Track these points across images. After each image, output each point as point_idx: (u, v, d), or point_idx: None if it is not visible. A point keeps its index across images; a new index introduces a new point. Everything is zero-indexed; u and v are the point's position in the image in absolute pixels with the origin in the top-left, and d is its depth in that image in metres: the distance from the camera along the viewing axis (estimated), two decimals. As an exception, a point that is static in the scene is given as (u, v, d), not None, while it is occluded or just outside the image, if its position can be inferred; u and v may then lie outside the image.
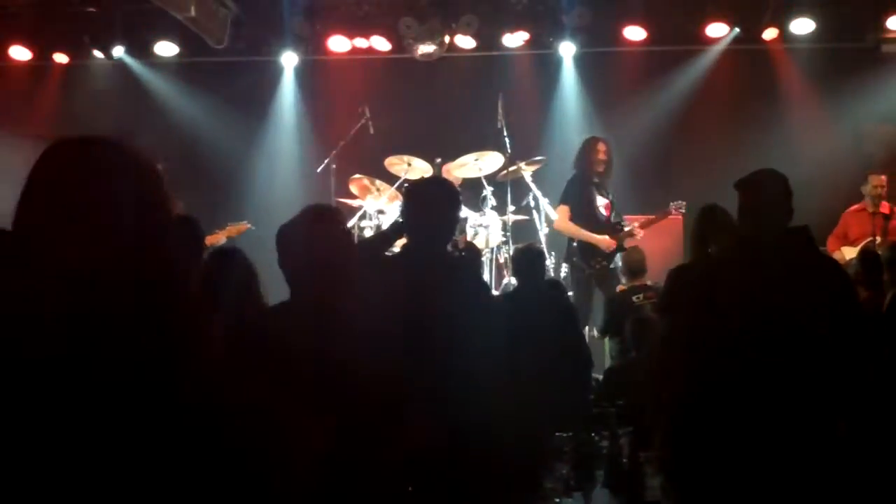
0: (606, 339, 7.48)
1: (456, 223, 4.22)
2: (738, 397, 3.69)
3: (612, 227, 8.08)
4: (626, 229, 8.04)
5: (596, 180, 8.19)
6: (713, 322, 3.85)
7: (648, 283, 7.36)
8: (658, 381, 4.81)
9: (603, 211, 8.15)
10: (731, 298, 3.78)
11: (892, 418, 4.32)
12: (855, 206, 8.60)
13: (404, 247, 4.13)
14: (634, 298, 6.98)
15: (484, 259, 8.27)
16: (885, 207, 8.41)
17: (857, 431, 4.03)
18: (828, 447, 3.71)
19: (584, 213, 8.13)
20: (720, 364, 3.75)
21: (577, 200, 8.14)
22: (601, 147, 8.19)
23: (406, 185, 8.62)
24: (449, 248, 4.49)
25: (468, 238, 8.16)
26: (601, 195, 8.18)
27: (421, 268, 3.88)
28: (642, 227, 8.08)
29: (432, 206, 4.01)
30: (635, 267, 7.36)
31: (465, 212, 8.03)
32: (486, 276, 8.20)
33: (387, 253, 4.41)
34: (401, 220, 4.34)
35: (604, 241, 7.96)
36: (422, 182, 5.77)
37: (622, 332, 6.82)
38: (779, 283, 3.72)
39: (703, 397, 3.80)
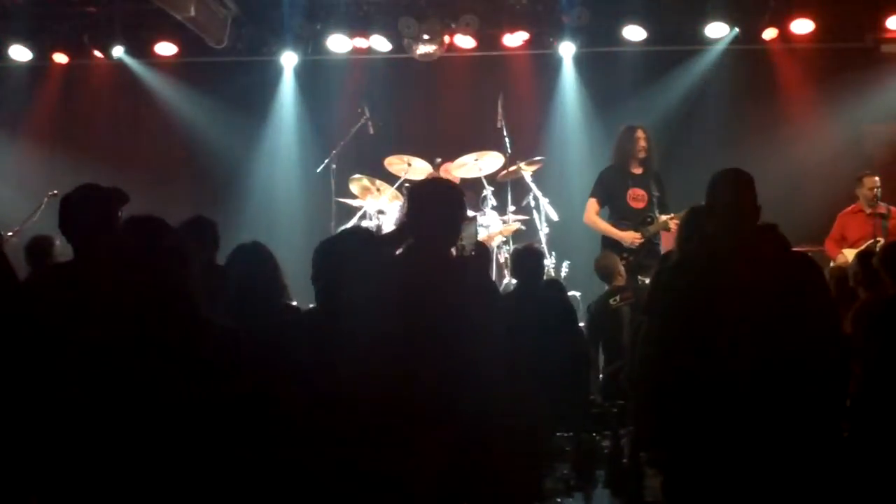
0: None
1: (460, 223, 4.22)
2: (709, 399, 3.69)
3: (640, 220, 7.87)
4: (658, 221, 7.80)
5: (635, 171, 7.95)
6: (680, 324, 3.85)
7: (622, 283, 7.27)
8: (636, 381, 4.83)
9: (633, 203, 7.90)
10: (694, 299, 3.78)
11: (880, 416, 4.32)
12: (850, 208, 8.57)
13: (407, 247, 4.14)
14: (611, 301, 6.95)
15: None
16: (880, 207, 8.41)
17: (842, 429, 4.04)
18: (806, 445, 3.71)
19: (612, 206, 7.97)
20: (691, 365, 3.75)
21: (606, 192, 7.98)
22: (640, 135, 7.93)
23: (408, 186, 8.63)
24: (460, 244, 4.49)
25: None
26: (639, 187, 7.92)
27: (424, 268, 3.89)
28: (677, 218, 7.86)
29: (434, 206, 4.02)
30: (603, 273, 7.32)
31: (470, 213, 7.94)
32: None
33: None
34: (405, 221, 4.35)
35: (627, 236, 7.76)
36: (423, 183, 5.79)
37: (606, 337, 6.80)
38: (742, 281, 3.71)
39: (677, 398, 3.80)
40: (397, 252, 4.22)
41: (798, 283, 3.79)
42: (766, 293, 3.70)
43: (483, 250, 7.16)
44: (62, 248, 6.06)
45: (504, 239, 8.70)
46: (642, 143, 7.92)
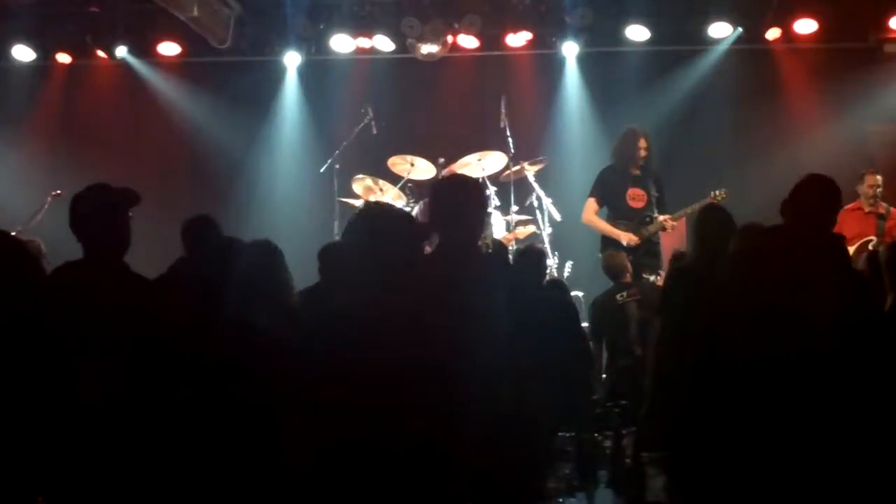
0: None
1: (483, 218, 4.24)
2: (755, 399, 3.70)
3: (640, 220, 7.89)
4: (656, 221, 7.83)
5: (635, 172, 8.00)
6: (728, 322, 3.84)
7: (629, 281, 7.27)
8: (655, 380, 4.83)
9: (632, 203, 7.93)
10: (756, 297, 3.79)
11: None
12: (849, 206, 8.56)
13: (438, 245, 4.14)
14: (618, 297, 6.94)
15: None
16: (880, 207, 8.40)
17: (863, 435, 4.04)
18: (834, 450, 3.71)
19: (612, 205, 8.00)
20: (737, 364, 3.75)
21: (606, 192, 8.01)
22: (641, 143, 7.98)
23: (431, 183, 8.61)
24: (483, 242, 4.52)
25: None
26: (638, 187, 7.96)
27: (457, 264, 3.89)
28: (675, 218, 7.86)
29: (457, 202, 4.03)
30: (611, 272, 7.32)
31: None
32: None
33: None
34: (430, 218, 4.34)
35: (624, 235, 7.79)
36: (448, 179, 5.79)
37: (611, 333, 6.79)
38: (803, 284, 3.73)
39: (712, 398, 3.80)
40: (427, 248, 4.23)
41: (848, 297, 3.81)
42: (813, 301, 3.71)
43: (501, 248, 7.20)
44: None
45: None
46: (643, 153, 7.97)
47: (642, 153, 7.96)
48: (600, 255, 8.01)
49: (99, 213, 3.73)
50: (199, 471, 3.29)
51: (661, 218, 7.83)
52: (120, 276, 3.66)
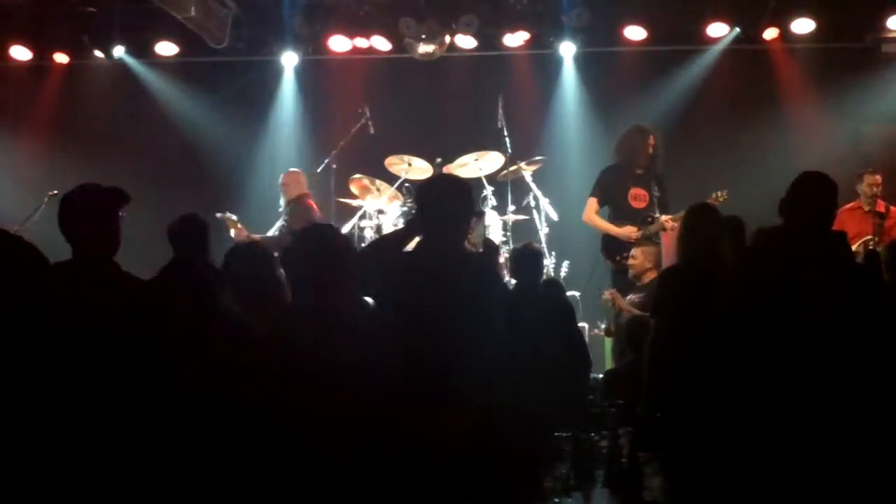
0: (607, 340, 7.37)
1: (469, 218, 4.24)
2: (751, 398, 3.70)
3: (641, 220, 7.86)
4: (658, 221, 7.79)
5: (638, 172, 7.99)
6: (730, 322, 3.85)
7: None
8: (649, 381, 4.82)
9: (633, 203, 7.93)
10: (761, 296, 3.80)
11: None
12: (849, 205, 8.55)
13: (420, 243, 4.14)
14: None
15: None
16: (880, 206, 8.40)
17: (862, 435, 4.04)
18: (832, 447, 3.71)
19: (613, 205, 7.99)
20: (734, 363, 3.76)
21: (607, 191, 8.00)
22: (651, 141, 7.98)
23: (418, 183, 8.62)
24: (470, 242, 4.51)
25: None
26: (640, 187, 7.96)
27: (437, 263, 3.89)
28: (675, 219, 7.82)
29: (445, 202, 4.03)
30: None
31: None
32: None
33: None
34: (415, 217, 4.35)
35: (625, 231, 7.79)
36: (434, 179, 5.80)
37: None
38: (807, 283, 3.74)
39: (702, 396, 3.80)
40: (407, 249, 4.22)
41: (853, 294, 3.82)
42: (817, 298, 3.72)
43: (492, 247, 7.19)
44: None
45: (504, 239, 8.70)
46: (650, 151, 7.95)
47: (650, 151, 7.96)
48: (600, 255, 8.03)
49: (88, 213, 3.72)
50: (196, 471, 3.28)
51: (663, 218, 7.82)
52: (110, 276, 3.64)
